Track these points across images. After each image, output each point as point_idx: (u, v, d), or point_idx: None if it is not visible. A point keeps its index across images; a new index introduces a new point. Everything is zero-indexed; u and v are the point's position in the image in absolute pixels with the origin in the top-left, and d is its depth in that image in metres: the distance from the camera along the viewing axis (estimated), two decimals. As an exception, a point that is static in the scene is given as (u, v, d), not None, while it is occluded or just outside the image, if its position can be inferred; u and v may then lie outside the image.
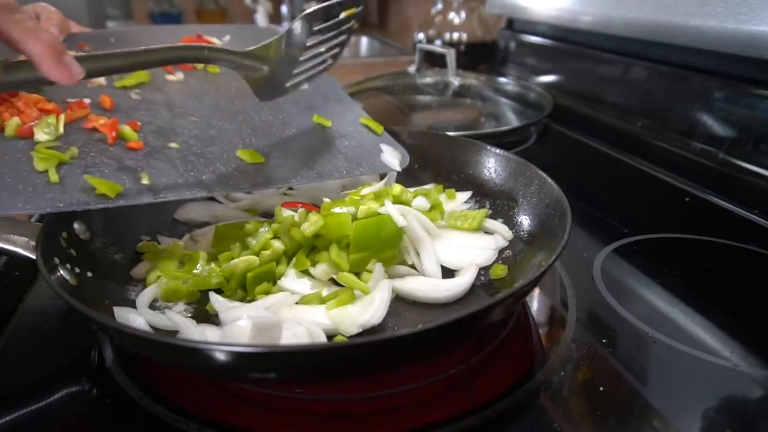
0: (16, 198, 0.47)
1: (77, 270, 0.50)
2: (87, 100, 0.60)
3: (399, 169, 0.67)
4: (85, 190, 0.49)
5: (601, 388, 0.46)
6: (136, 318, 0.49)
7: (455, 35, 1.64)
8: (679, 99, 0.95)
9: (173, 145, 0.58)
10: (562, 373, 0.48)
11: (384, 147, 0.70)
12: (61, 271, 0.48)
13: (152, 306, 0.53)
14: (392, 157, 0.68)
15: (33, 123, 0.53)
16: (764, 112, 0.80)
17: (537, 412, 0.44)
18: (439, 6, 1.69)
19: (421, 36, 1.70)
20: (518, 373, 0.48)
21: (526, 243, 0.61)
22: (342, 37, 0.59)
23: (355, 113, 0.75)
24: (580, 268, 0.63)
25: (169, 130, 0.60)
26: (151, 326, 0.49)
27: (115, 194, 0.50)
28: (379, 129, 0.73)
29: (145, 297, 0.52)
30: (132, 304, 0.52)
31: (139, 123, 0.59)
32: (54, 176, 0.49)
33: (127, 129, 0.57)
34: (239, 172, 0.57)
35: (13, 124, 0.53)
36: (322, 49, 0.58)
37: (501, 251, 0.62)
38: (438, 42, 1.66)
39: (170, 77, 0.71)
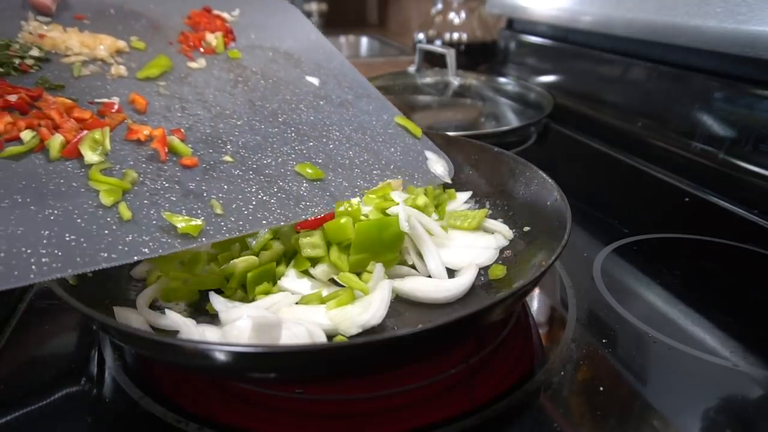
0: (96, 246, 0.43)
1: (77, 270, 0.50)
2: (115, 100, 0.57)
3: (449, 180, 0.66)
4: (164, 228, 0.46)
5: (601, 388, 0.46)
6: (136, 318, 0.49)
7: (455, 35, 1.64)
8: (679, 99, 0.95)
9: (227, 158, 0.55)
10: (562, 373, 0.48)
11: (429, 154, 0.69)
12: (61, 271, 0.48)
13: (152, 306, 0.53)
14: (439, 166, 0.67)
15: (77, 140, 0.48)
16: (764, 112, 0.80)
17: (537, 412, 0.44)
18: (439, 6, 1.69)
19: (421, 36, 1.70)
20: (518, 373, 0.48)
21: (526, 243, 0.61)
22: None
23: (389, 111, 0.73)
24: (580, 268, 0.64)
25: (214, 137, 0.57)
26: (151, 326, 0.49)
27: (198, 232, 0.47)
28: (418, 131, 0.71)
29: (145, 297, 0.52)
30: (132, 304, 0.52)
31: (182, 129, 0.56)
32: (126, 212, 0.45)
33: (176, 142, 0.54)
34: (306, 192, 0.55)
35: (56, 143, 0.48)
36: None
37: (501, 251, 0.62)
38: (438, 42, 1.66)
39: (192, 64, 0.68)
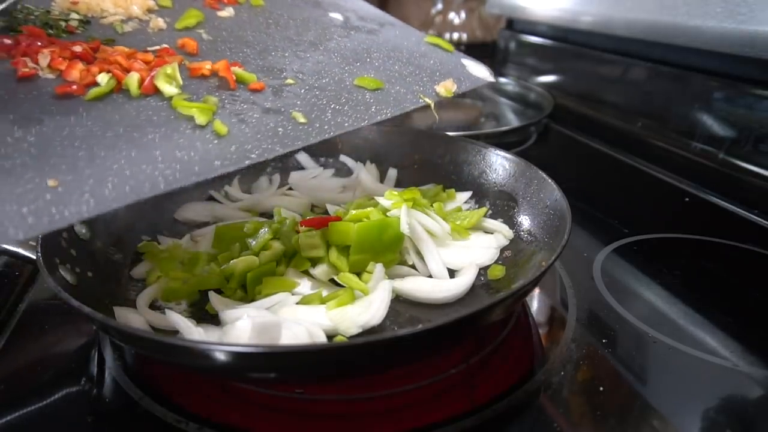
0: (206, 156, 0.45)
1: (77, 270, 0.50)
2: (166, 46, 0.58)
3: (494, 79, 0.67)
4: (260, 137, 0.48)
5: (601, 388, 0.46)
6: (136, 318, 0.49)
7: (455, 35, 1.64)
8: (679, 99, 0.95)
9: (289, 81, 0.57)
10: (562, 373, 0.48)
11: (465, 62, 0.70)
12: (62, 271, 0.48)
13: (152, 306, 0.53)
14: (480, 70, 0.68)
15: (152, 76, 0.51)
16: (764, 112, 0.80)
17: (537, 412, 0.44)
18: (439, 6, 1.69)
19: (421, 36, 1.70)
20: (518, 373, 0.48)
21: (526, 243, 0.61)
22: None
23: (415, 34, 0.75)
24: (580, 268, 0.63)
25: (270, 67, 0.59)
26: (151, 326, 0.49)
27: (307, 121, 0.51)
28: (450, 47, 0.73)
29: (145, 297, 0.52)
30: (132, 304, 0.52)
31: (238, 62, 0.57)
32: (222, 128, 0.48)
33: (240, 71, 0.55)
34: (371, 99, 0.57)
35: (134, 81, 0.50)
36: None
37: (501, 251, 0.62)
38: (438, 42, 1.66)
39: (221, 13, 0.69)
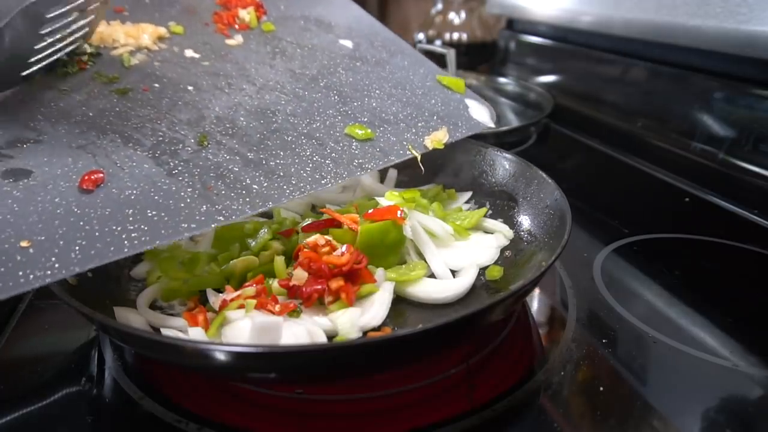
0: (176, 218, 0.46)
1: (77, 270, 0.50)
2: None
3: (493, 125, 0.67)
4: (232, 197, 0.49)
5: (601, 388, 0.46)
6: (136, 318, 0.49)
7: (455, 35, 1.64)
8: (679, 99, 0.95)
9: (278, 127, 0.58)
10: (562, 373, 0.48)
11: (469, 102, 0.69)
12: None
13: (152, 306, 0.53)
14: (481, 114, 0.67)
15: None
16: (764, 112, 0.80)
17: (537, 412, 0.44)
18: (439, 6, 1.69)
19: (421, 36, 1.70)
20: (518, 373, 0.48)
21: (526, 243, 0.61)
22: (90, 18, 0.56)
23: (424, 65, 0.75)
24: (580, 268, 0.63)
25: (263, 109, 0.60)
26: (151, 326, 0.49)
27: (284, 174, 0.53)
28: (462, 88, 0.72)
29: (145, 297, 0.52)
30: (132, 304, 0.52)
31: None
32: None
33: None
34: (357, 150, 0.58)
35: None
36: (67, 31, 0.54)
37: (501, 251, 0.62)
38: (438, 42, 1.65)
39: (230, 41, 0.70)
